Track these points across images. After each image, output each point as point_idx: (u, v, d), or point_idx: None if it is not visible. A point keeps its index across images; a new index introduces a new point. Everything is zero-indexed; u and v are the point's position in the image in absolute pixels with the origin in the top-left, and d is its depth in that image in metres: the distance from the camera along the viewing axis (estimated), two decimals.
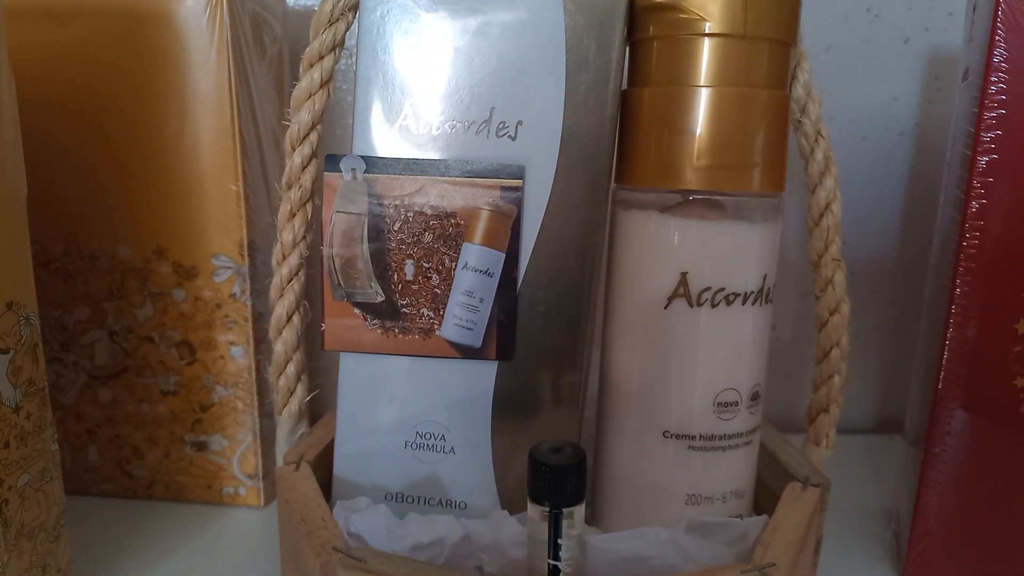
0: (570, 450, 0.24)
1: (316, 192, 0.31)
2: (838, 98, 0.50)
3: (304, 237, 0.31)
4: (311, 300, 0.32)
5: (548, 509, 0.23)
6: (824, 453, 0.33)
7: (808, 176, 0.31)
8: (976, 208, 0.33)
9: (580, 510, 0.24)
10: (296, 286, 0.31)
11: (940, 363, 0.34)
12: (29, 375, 0.30)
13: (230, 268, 0.39)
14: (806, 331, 0.55)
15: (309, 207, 0.31)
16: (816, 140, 0.31)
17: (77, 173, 0.39)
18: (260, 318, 0.40)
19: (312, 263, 0.31)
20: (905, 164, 0.51)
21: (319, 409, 0.37)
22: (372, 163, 0.29)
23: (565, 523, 0.23)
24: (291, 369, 0.32)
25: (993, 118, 0.32)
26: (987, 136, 0.32)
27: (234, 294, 0.39)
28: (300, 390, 0.32)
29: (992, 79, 0.31)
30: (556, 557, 0.23)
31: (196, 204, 0.38)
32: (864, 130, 0.50)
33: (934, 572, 0.37)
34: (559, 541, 0.23)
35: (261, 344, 0.40)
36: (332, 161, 0.29)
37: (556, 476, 0.23)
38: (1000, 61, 0.31)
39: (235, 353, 0.40)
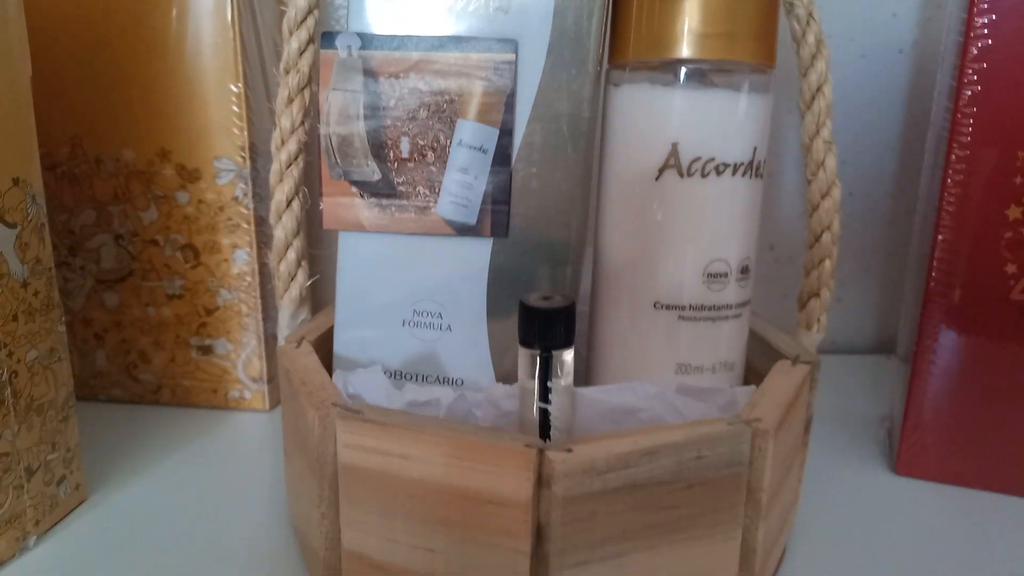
0: (559, 298, 0.24)
1: (314, 78, 0.31)
2: (838, 15, 0.50)
3: (302, 123, 0.32)
4: (310, 188, 0.33)
5: (538, 352, 0.24)
6: (815, 337, 0.33)
7: (800, 59, 0.31)
8: (968, 95, 0.33)
9: (569, 356, 0.24)
10: (295, 171, 0.32)
11: (933, 252, 0.35)
12: (36, 253, 0.31)
13: (232, 171, 0.40)
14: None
15: (307, 93, 0.31)
16: (808, 23, 0.31)
17: (81, 77, 0.39)
18: (262, 222, 0.41)
19: (311, 150, 0.32)
20: (904, 81, 0.51)
21: (318, 305, 0.38)
22: (368, 40, 0.29)
23: (554, 367, 0.24)
24: (291, 255, 0.33)
25: (986, 3, 0.32)
26: (980, 21, 0.32)
27: (236, 197, 0.40)
28: (301, 276, 0.33)
29: None
30: (545, 400, 0.24)
31: (198, 106, 0.39)
32: (863, 47, 0.50)
33: (925, 463, 0.37)
34: (548, 384, 0.24)
35: (264, 248, 0.41)
36: (328, 39, 0.30)
37: (546, 320, 0.24)
38: None
39: (238, 256, 0.41)
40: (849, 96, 0.51)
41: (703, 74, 0.28)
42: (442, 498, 0.24)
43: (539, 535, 0.24)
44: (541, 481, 0.23)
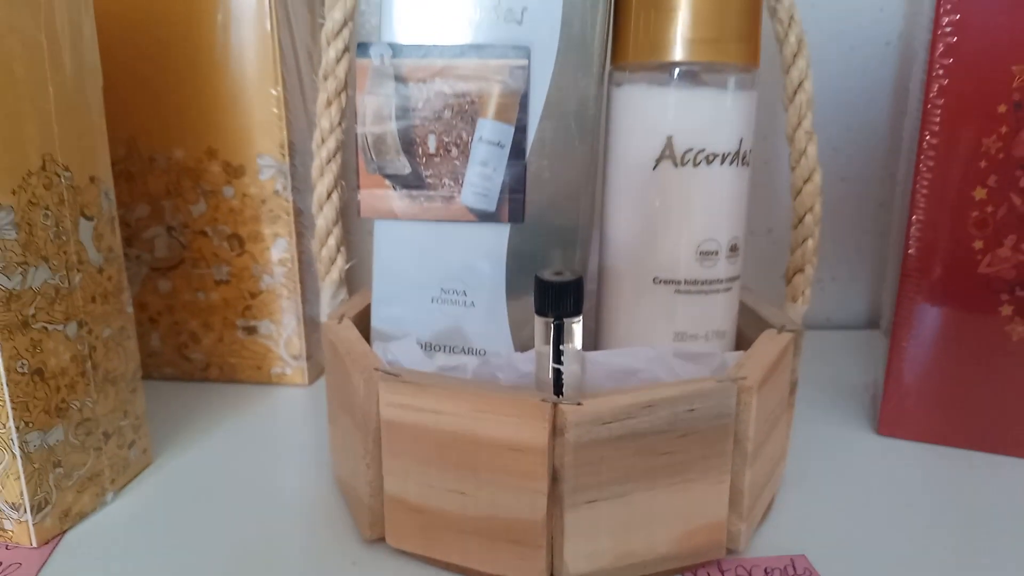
0: (569, 273, 0.28)
1: (349, 83, 0.35)
2: (828, 9, 0.53)
3: (339, 123, 0.36)
4: (347, 181, 0.36)
5: (551, 320, 0.28)
6: (800, 308, 0.37)
7: (782, 58, 0.35)
8: (937, 88, 0.36)
9: (578, 324, 0.28)
10: (334, 167, 0.36)
11: (908, 230, 0.38)
12: (109, 243, 0.35)
13: (273, 167, 0.44)
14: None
15: (343, 97, 0.35)
16: (789, 25, 0.34)
17: (136, 84, 0.43)
18: (300, 213, 0.45)
19: (346, 148, 0.36)
20: (891, 72, 0.54)
21: (353, 286, 0.42)
22: (397, 49, 0.33)
23: (565, 333, 0.28)
24: (332, 241, 0.37)
25: (951, 3, 0.35)
26: (946, 20, 0.36)
27: (277, 190, 0.44)
28: (340, 259, 0.37)
29: None
30: (559, 362, 0.28)
31: (242, 108, 0.43)
32: (852, 40, 0.54)
33: (905, 423, 0.41)
34: (560, 348, 0.28)
35: (302, 237, 0.45)
36: (363, 48, 0.33)
37: (558, 291, 0.28)
38: None
39: (279, 245, 0.45)
40: (840, 87, 0.54)
41: (694, 74, 0.32)
42: (470, 447, 0.28)
43: (554, 477, 0.28)
44: (555, 430, 0.27)
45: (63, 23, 0.32)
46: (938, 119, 0.37)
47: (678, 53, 0.31)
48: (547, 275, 0.28)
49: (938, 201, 0.38)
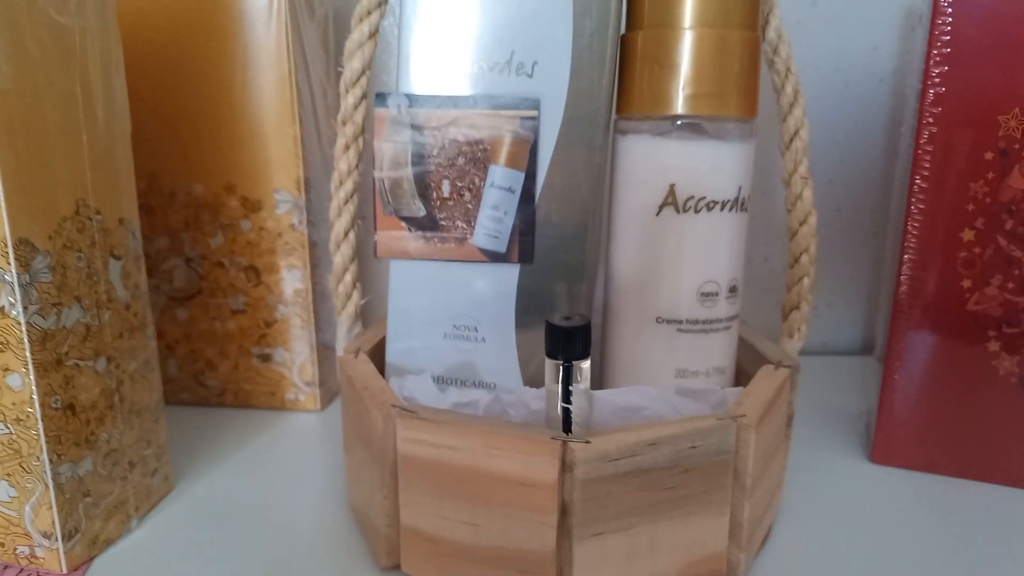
0: (578, 318, 0.30)
1: (367, 128, 0.37)
2: (823, 48, 0.55)
3: (357, 166, 0.37)
4: (361, 220, 0.38)
5: (561, 362, 0.29)
6: (796, 344, 0.38)
7: (780, 107, 0.37)
8: (927, 135, 0.38)
9: (586, 366, 0.30)
10: (351, 207, 0.37)
11: (900, 268, 0.40)
12: (135, 281, 0.37)
13: (289, 202, 0.45)
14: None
15: (360, 141, 0.37)
16: (786, 76, 0.36)
17: (158, 121, 0.45)
18: (315, 246, 0.47)
19: (362, 189, 0.38)
20: (885, 108, 0.56)
21: (367, 321, 0.44)
22: (414, 99, 0.35)
23: (574, 374, 0.29)
24: (348, 277, 0.38)
25: (939, 56, 0.37)
26: (936, 71, 0.37)
27: (293, 224, 0.46)
28: (356, 295, 0.39)
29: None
30: (568, 402, 0.30)
31: (260, 145, 0.45)
32: (847, 77, 0.55)
33: (897, 452, 0.43)
34: (570, 388, 0.30)
35: (316, 268, 0.47)
36: (381, 98, 0.35)
37: (567, 335, 0.29)
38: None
39: (294, 276, 0.47)
40: (835, 122, 0.56)
41: (695, 126, 0.34)
42: (483, 481, 0.30)
43: (563, 511, 0.29)
44: (565, 467, 0.29)
45: (96, 74, 0.33)
46: (928, 164, 0.38)
47: (679, 107, 0.33)
48: (557, 320, 0.30)
49: (928, 241, 0.39)
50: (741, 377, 0.38)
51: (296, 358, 0.48)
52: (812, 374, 0.56)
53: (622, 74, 0.35)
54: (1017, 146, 0.37)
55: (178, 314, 0.48)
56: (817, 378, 0.55)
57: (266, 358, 0.48)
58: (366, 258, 0.50)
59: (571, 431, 0.30)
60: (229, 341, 0.48)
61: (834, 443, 0.46)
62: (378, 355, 0.38)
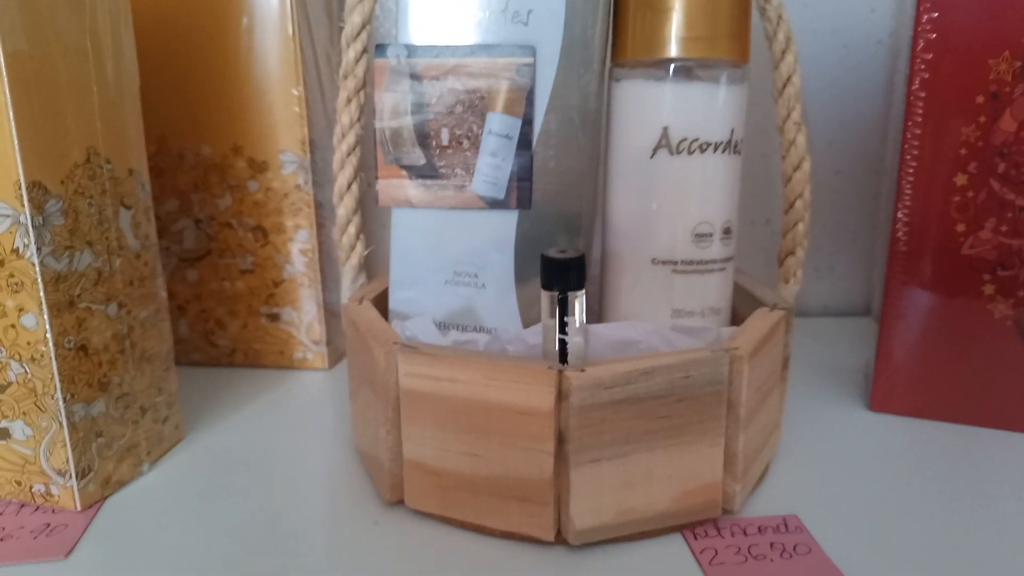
0: (572, 251, 0.31)
1: (367, 83, 0.38)
2: (822, 10, 0.55)
3: (359, 119, 0.38)
4: (364, 174, 0.39)
5: (556, 294, 0.30)
6: (792, 288, 0.39)
7: (772, 54, 0.37)
8: (919, 82, 0.39)
9: (581, 297, 0.31)
10: (353, 159, 0.38)
11: (896, 214, 0.41)
12: (145, 231, 0.38)
13: (295, 162, 0.47)
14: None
15: (362, 95, 0.38)
16: (777, 23, 0.37)
17: (166, 84, 0.46)
18: (320, 206, 0.48)
19: (364, 142, 0.39)
20: (883, 69, 0.56)
21: (371, 274, 0.45)
22: (413, 50, 0.36)
23: (570, 306, 0.30)
24: (352, 229, 0.39)
25: (930, 1, 0.38)
26: (926, 17, 0.38)
27: (298, 184, 0.47)
28: (359, 246, 0.40)
29: None
30: (564, 333, 0.30)
31: (266, 107, 0.46)
32: (845, 39, 0.56)
33: (894, 400, 0.43)
34: (565, 319, 0.30)
35: (322, 228, 0.48)
36: (381, 49, 0.36)
37: (562, 267, 0.30)
38: None
39: (301, 235, 0.48)
40: (834, 83, 0.56)
41: (688, 70, 0.34)
42: (482, 412, 0.31)
43: (560, 438, 0.30)
44: (561, 395, 0.30)
45: (105, 30, 0.34)
46: (921, 111, 0.39)
47: (673, 50, 0.34)
48: (552, 252, 0.30)
49: (922, 187, 0.40)
50: (737, 321, 0.39)
51: (304, 317, 0.49)
52: (813, 334, 0.56)
53: (616, 20, 0.35)
54: (1008, 89, 0.37)
55: (188, 275, 0.49)
56: (818, 338, 0.56)
57: (274, 317, 0.49)
58: (369, 211, 0.51)
59: (567, 362, 0.31)
60: (238, 301, 0.49)
61: (833, 394, 0.47)
62: (381, 304, 0.39)
